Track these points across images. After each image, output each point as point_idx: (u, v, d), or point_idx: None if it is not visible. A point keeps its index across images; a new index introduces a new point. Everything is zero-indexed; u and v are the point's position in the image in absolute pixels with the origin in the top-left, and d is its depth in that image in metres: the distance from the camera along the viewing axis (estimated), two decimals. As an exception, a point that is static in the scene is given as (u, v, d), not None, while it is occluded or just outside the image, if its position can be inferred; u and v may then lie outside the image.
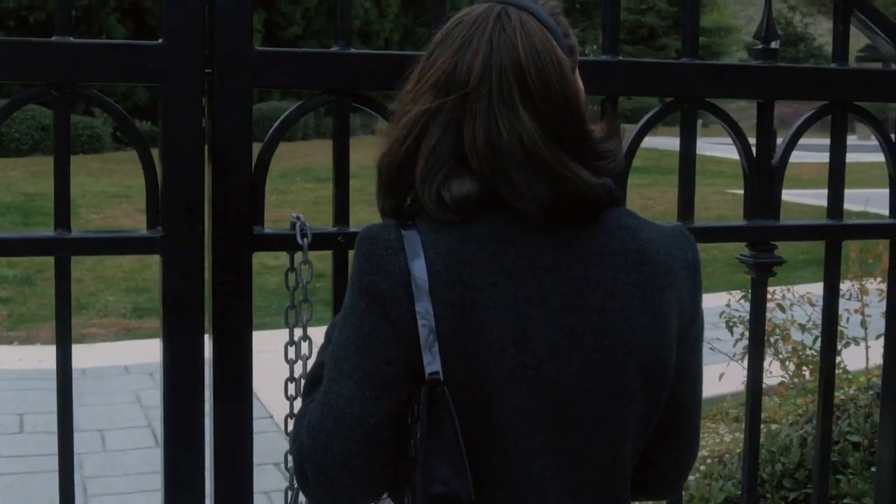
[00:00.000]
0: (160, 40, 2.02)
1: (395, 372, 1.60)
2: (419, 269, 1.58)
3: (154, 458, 6.64)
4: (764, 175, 2.52)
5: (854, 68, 2.60)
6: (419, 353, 1.57)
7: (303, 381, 2.14)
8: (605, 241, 1.67)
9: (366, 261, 1.63)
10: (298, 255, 2.16)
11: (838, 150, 2.59)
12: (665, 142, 14.27)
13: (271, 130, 2.16)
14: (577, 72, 1.71)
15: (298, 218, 2.13)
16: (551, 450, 1.63)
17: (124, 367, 8.56)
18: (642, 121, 2.43)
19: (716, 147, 23.01)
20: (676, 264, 1.72)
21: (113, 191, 18.61)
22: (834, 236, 2.62)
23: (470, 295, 1.58)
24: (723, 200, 17.76)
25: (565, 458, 1.64)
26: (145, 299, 11.23)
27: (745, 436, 2.63)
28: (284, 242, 2.16)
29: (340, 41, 2.18)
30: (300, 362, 2.19)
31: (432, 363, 1.56)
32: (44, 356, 8.95)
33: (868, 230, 2.84)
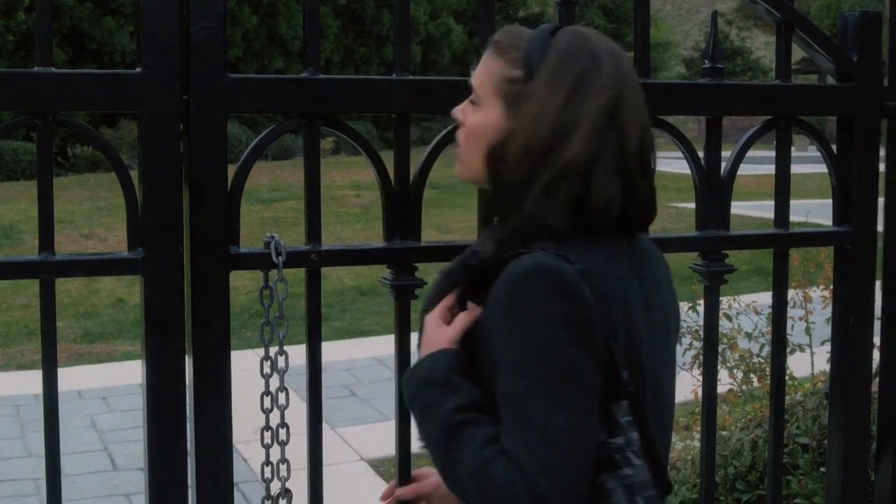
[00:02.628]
0: (138, 69, 2.10)
1: (597, 395, 1.69)
2: (597, 294, 1.71)
3: (112, 482, 6.69)
4: (714, 188, 2.63)
5: (797, 84, 2.72)
6: (608, 373, 1.70)
7: (272, 397, 2.26)
8: (644, 247, 1.94)
9: (550, 291, 1.68)
10: (273, 273, 2.25)
11: (783, 163, 2.70)
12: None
13: (245, 154, 2.25)
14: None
15: (273, 237, 2.22)
16: (658, 438, 1.83)
17: (77, 392, 8.55)
18: None
19: (659, 162, 23.04)
20: (668, 267, 2.01)
21: (56, 216, 18.38)
22: (782, 244, 2.74)
23: (624, 311, 1.77)
24: (666, 213, 17.93)
25: (663, 445, 1.87)
26: (94, 324, 11.20)
27: (703, 437, 2.72)
28: (260, 261, 2.24)
29: (311, 67, 2.28)
30: (276, 376, 2.27)
31: (627, 378, 1.73)
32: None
33: (814, 238, 2.97)
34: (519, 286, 1.70)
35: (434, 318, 1.89)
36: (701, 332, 5.98)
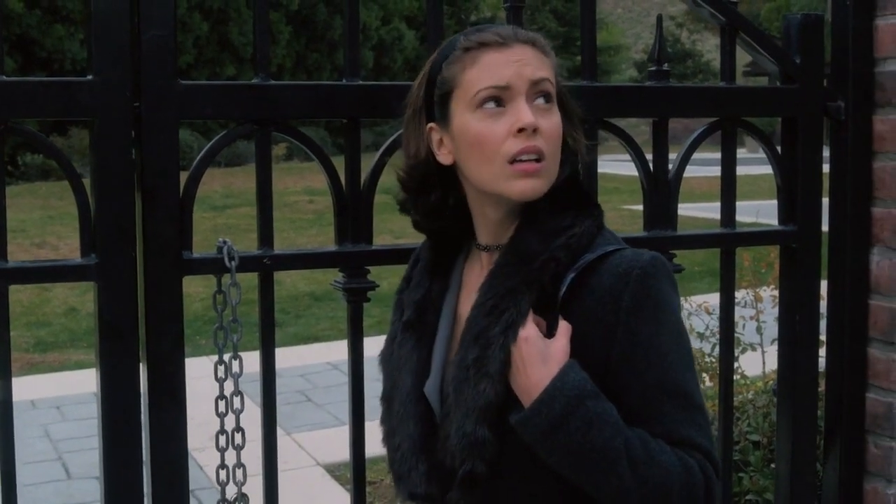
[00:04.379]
0: (89, 76, 2.11)
1: None
2: None
3: (65, 491, 6.65)
4: (661, 189, 2.68)
5: (741, 87, 2.77)
6: None
7: (227, 401, 2.27)
8: None
9: (674, 285, 1.80)
10: (226, 278, 2.26)
11: (728, 163, 2.75)
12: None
13: (197, 160, 2.27)
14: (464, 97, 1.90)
15: (225, 242, 2.24)
16: None
17: (31, 402, 8.49)
18: None
19: (610, 164, 23.40)
20: None
21: (7, 225, 18.27)
22: (728, 244, 2.78)
23: None
24: (619, 216, 18.03)
25: None
26: (47, 333, 11.12)
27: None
28: (212, 266, 2.26)
29: (261, 73, 2.31)
30: (231, 380, 2.28)
31: None
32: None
33: (759, 237, 3.01)
34: (648, 283, 1.75)
35: (534, 334, 1.77)
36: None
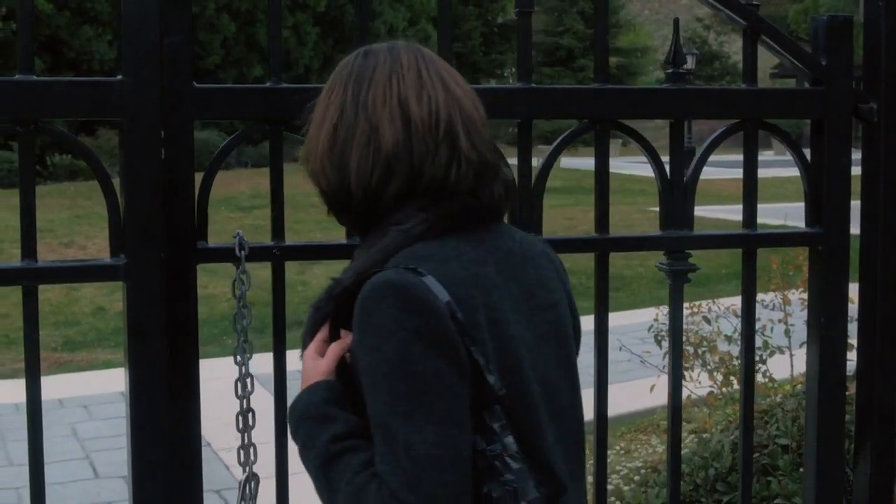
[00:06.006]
0: (119, 76, 2.12)
1: (465, 404, 1.64)
2: (452, 304, 1.65)
3: (92, 490, 6.67)
4: (677, 190, 2.66)
5: (762, 89, 2.74)
6: (475, 380, 1.65)
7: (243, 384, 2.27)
8: (528, 245, 1.90)
9: (403, 308, 1.64)
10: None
11: (750, 164, 2.73)
12: (587, 162, 14.47)
13: (213, 157, 2.33)
14: None
15: (238, 234, 2.30)
16: (557, 440, 1.80)
17: (59, 401, 8.53)
18: (556, 142, 2.58)
19: (636, 166, 23.39)
20: (561, 266, 1.98)
21: (37, 225, 18.41)
22: (747, 244, 2.76)
23: (489, 315, 1.72)
24: (645, 218, 18.01)
25: (565, 444, 1.83)
26: (75, 332, 11.18)
27: (669, 435, 2.76)
28: (225, 255, 2.30)
29: (274, 77, 2.35)
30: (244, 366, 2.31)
31: (497, 381, 1.67)
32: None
33: (782, 238, 2.99)
34: (368, 306, 1.67)
35: (310, 352, 1.84)
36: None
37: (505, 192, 1.85)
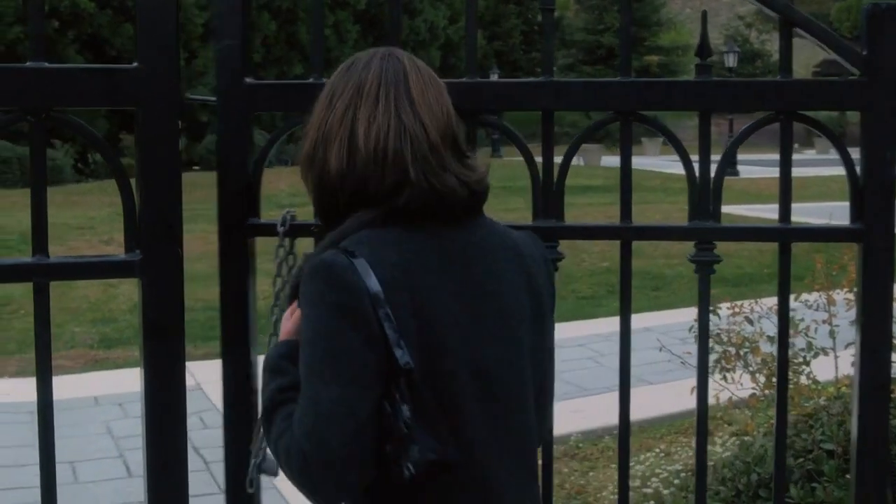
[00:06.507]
0: (135, 64, 2.04)
1: (372, 372, 1.82)
2: (374, 284, 1.83)
3: (126, 489, 6.61)
4: (704, 181, 2.60)
5: (794, 79, 2.63)
6: (388, 352, 1.82)
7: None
8: (491, 239, 2.02)
9: (330, 285, 1.84)
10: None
11: (785, 158, 2.62)
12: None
13: (267, 140, 2.47)
14: None
15: (289, 212, 2.44)
16: (489, 417, 1.94)
17: (94, 399, 8.49)
18: (577, 136, 2.64)
19: (679, 165, 22.88)
20: (539, 257, 2.10)
21: (76, 222, 18.53)
22: (782, 238, 2.65)
23: (415, 298, 1.87)
24: (686, 217, 17.83)
25: (498, 423, 1.96)
26: (112, 329, 11.16)
27: (697, 435, 2.65)
28: (271, 229, 2.41)
29: (315, 73, 2.41)
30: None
31: (404, 356, 1.83)
32: (11, 389, 8.87)
33: (817, 233, 2.86)
34: (305, 281, 1.88)
35: (286, 315, 2.07)
36: (721, 336, 5.96)
37: (470, 192, 1.96)
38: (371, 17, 39.10)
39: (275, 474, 2.11)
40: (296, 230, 2.42)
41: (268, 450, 2.23)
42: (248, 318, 2.38)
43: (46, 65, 1.99)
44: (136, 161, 2.06)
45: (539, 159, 2.55)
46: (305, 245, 2.33)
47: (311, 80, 2.38)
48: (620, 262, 2.60)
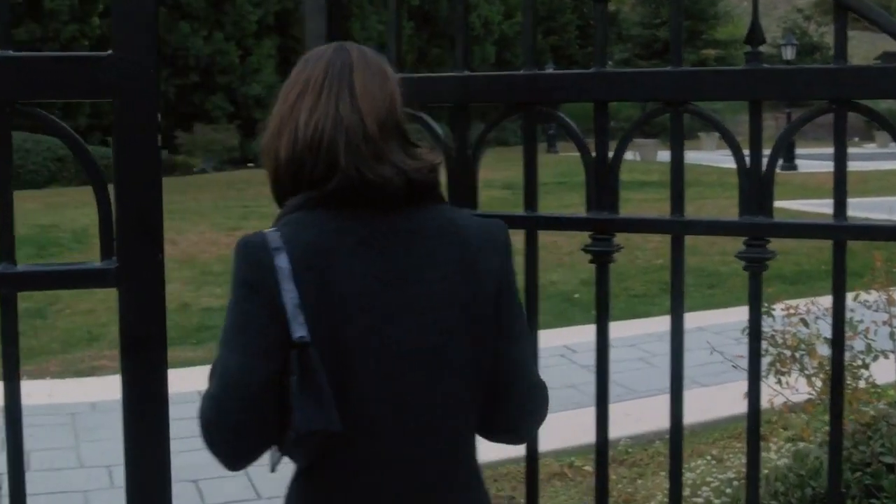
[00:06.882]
0: (109, 51, 1.85)
1: (272, 343, 1.91)
2: (282, 261, 1.92)
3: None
4: (754, 175, 2.48)
5: (848, 66, 2.43)
6: (288, 325, 1.90)
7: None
8: (429, 226, 2.06)
9: (242, 260, 1.95)
10: None
11: (840, 149, 2.45)
12: (688, 156, 14.08)
13: None
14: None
15: None
16: (394, 396, 1.99)
17: (135, 400, 8.37)
18: (629, 127, 2.61)
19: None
20: (488, 244, 2.10)
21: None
22: (836, 235, 2.45)
23: (325, 276, 1.94)
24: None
25: (407, 403, 2.00)
26: (158, 329, 11.05)
27: (748, 446, 2.52)
28: None
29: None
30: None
31: (299, 330, 1.90)
32: (54, 390, 8.81)
33: (874, 231, 2.64)
34: (232, 259, 2.00)
35: None
36: (776, 339, 5.71)
37: (407, 180, 2.00)
38: (425, 13, 39.04)
39: (271, 470, 2.14)
40: None
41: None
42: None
43: (11, 53, 1.81)
44: (113, 158, 1.87)
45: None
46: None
47: (403, 75, 2.35)
48: (671, 256, 2.55)
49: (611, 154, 2.55)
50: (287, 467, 2.05)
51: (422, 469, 2.03)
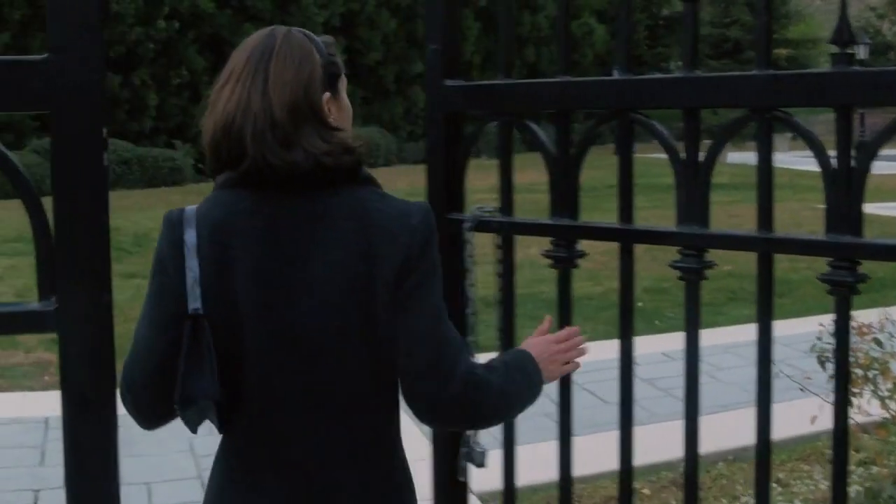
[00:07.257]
0: (45, 55, 1.56)
1: (172, 315, 2.01)
2: (190, 236, 2.01)
3: (202, 513, 6.22)
4: (842, 187, 2.23)
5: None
6: (186, 298, 2.01)
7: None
8: (335, 209, 2.09)
9: (161, 235, 2.05)
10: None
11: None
12: (755, 157, 13.66)
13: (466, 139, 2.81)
14: (342, 81, 2.25)
15: (481, 209, 2.84)
16: (289, 371, 2.06)
17: (181, 415, 8.17)
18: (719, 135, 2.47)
19: (806, 161, 21.99)
20: (395, 227, 2.11)
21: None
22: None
23: (227, 253, 2.03)
24: (815, 216, 17.10)
25: (295, 377, 2.07)
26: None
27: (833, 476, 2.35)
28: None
29: (501, 74, 2.69)
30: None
31: (194, 302, 2.00)
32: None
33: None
34: None
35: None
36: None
37: (316, 164, 2.03)
38: (492, 14, 38.69)
39: (481, 465, 2.42)
40: (483, 226, 2.75)
41: (476, 442, 2.68)
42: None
43: (-71, 57, 1.53)
44: (51, 179, 1.58)
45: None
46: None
47: (498, 81, 2.69)
48: (758, 272, 2.43)
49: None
50: None
51: (317, 442, 2.09)
